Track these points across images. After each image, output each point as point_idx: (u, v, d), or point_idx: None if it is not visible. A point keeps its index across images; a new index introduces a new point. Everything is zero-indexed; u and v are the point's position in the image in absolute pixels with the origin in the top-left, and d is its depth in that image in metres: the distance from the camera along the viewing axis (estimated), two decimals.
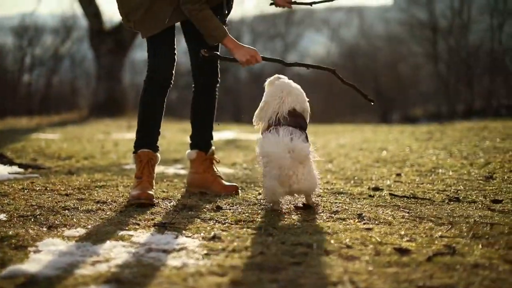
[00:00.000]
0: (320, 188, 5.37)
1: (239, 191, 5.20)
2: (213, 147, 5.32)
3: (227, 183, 5.27)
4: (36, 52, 30.24)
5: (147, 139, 5.00)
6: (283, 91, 4.71)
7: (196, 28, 4.87)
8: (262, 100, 4.79)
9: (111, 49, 20.18)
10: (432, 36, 33.36)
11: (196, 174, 5.24)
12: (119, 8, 4.91)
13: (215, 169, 5.31)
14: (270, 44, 42.04)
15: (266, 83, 4.91)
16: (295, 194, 4.54)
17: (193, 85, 5.29)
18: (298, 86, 4.84)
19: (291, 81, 4.84)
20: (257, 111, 4.82)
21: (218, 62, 5.26)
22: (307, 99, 4.85)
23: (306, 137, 4.55)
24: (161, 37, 4.92)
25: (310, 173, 4.40)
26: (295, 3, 5.31)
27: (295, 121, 4.60)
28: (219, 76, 5.30)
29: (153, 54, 4.94)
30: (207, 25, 4.76)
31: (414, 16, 35.42)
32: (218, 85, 5.30)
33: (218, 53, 5.07)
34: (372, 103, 5.24)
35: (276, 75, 4.91)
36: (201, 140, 5.30)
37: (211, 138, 5.34)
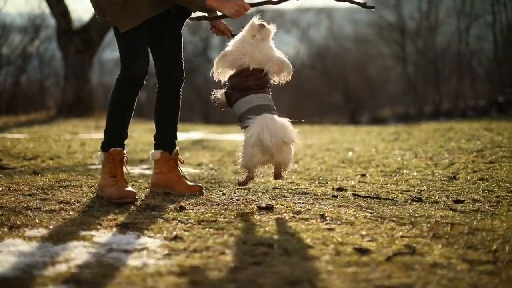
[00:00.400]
0: (284, 189, 5.40)
1: (203, 191, 5.20)
2: (177, 148, 5.31)
3: (191, 183, 5.26)
4: (4, 51, 29.97)
5: (118, 138, 4.99)
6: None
7: (159, 27, 4.88)
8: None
9: (79, 48, 20.05)
10: (400, 37, 33.63)
11: (160, 174, 5.22)
12: (92, 3, 4.84)
13: (180, 169, 5.29)
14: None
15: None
16: (270, 164, 4.67)
17: (157, 86, 5.27)
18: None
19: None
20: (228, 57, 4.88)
21: (183, 62, 5.25)
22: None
23: None
24: (137, 32, 4.85)
25: (290, 148, 4.55)
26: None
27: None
28: (184, 76, 5.28)
29: (129, 51, 4.88)
30: None
31: (382, 18, 35.68)
32: (182, 85, 5.29)
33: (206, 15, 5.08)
34: (373, 9, 5.31)
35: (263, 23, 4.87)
36: (165, 141, 5.27)
37: (175, 138, 5.32)
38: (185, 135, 13.16)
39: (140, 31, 4.86)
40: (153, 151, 5.29)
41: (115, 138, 4.98)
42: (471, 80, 28.52)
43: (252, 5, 4.93)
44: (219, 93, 5.05)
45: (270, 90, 4.91)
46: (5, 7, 37.51)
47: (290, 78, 4.97)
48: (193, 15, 5.11)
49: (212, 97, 5.11)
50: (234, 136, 12.76)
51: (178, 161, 5.31)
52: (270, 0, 5.10)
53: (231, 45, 4.92)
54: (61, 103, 21.27)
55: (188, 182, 5.24)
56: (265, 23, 4.83)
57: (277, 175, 4.74)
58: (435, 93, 31.47)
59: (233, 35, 5.27)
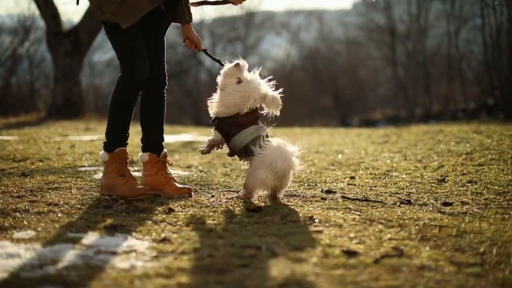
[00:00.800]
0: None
1: (192, 193, 5.20)
2: (165, 149, 5.31)
3: (180, 185, 5.26)
4: None
5: (122, 138, 5.02)
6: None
7: (146, 30, 4.89)
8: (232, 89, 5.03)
9: (69, 50, 20.01)
10: (390, 40, 33.68)
11: (149, 176, 5.22)
12: (91, 2, 4.82)
13: (168, 171, 5.29)
14: (230, 47, 42.06)
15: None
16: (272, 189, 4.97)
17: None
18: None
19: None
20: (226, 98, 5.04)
21: (165, 64, 5.25)
22: None
23: None
24: (134, 30, 4.85)
25: (291, 175, 5.01)
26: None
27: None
28: (167, 78, 5.27)
29: (129, 51, 4.89)
30: None
31: (372, 21, 35.76)
32: (166, 87, 5.27)
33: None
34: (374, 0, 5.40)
35: (236, 62, 5.06)
36: (152, 143, 5.27)
37: (163, 140, 5.31)
38: (175, 137, 13.14)
39: (136, 28, 4.85)
40: (141, 153, 5.29)
41: (119, 138, 5.00)
42: (461, 82, 28.61)
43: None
44: (213, 134, 5.19)
45: None
46: None
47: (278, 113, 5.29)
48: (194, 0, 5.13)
49: (208, 143, 5.21)
50: None
51: (167, 163, 5.30)
52: None
53: (222, 96, 5.11)
54: (51, 105, 21.21)
55: (177, 184, 5.24)
56: (238, 62, 5.05)
57: (275, 197, 5.01)
58: (425, 96, 31.57)
59: (204, 50, 5.35)
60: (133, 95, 4.98)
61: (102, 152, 5.07)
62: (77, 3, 5.16)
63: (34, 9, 29.60)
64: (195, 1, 5.04)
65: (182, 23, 5.29)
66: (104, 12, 4.77)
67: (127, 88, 4.95)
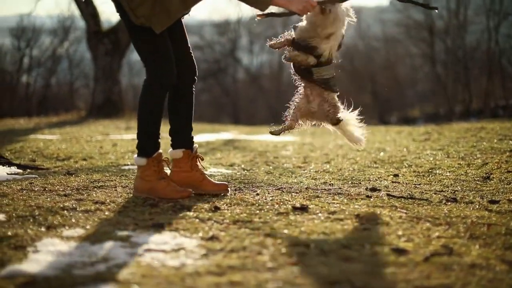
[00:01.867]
0: (318, 189, 5.40)
1: (232, 190, 5.21)
2: (196, 145, 5.30)
3: (217, 182, 5.27)
4: (34, 53, 30.28)
5: (157, 142, 5.01)
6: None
7: (174, 29, 4.90)
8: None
9: (109, 50, 20.18)
10: (429, 37, 33.42)
11: (183, 173, 5.16)
12: (125, 5, 4.74)
13: (201, 167, 5.30)
14: (267, 48, 42.04)
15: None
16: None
17: None
18: None
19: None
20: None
21: (193, 57, 5.22)
22: None
23: None
24: (163, 32, 4.84)
25: None
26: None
27: None
28: (197, 75, 5.25)
29: (159, 56, 4.85)
30: None
31: (410, 17, 35.53)
32: (195, 83, 5.25)
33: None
34: (436, 10, 5.40)
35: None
36: (185, 138, 5.24)
37: (192, 135, 5.30)
38: (215, 135, 13.19)
39: (164, 31, 4.86)
40: (171, 150, 5.23)
41: (154, 142, 4.99)
42: (501, 79, 28.30)
43: (319, 2, 4.94)
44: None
45: None
46: (36, 10, 37.86)
47: None
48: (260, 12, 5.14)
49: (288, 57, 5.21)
50: (264, 137, 12.77)
51: (199, 159, 5.29)
52: None
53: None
54: (91, 104, 21.43)
55: (214, 181, 5.25)
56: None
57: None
58: (465, 92, 31.26)
59: None
60: (163, 98, 4.96)
61: (136, 156, 5.05)
62: (86, 3, 5.17)
63: (74, 10, 29.97)
64: (262, 13, 5.04)
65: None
66: (138, 16, 4.74)
67: (157, 93, 4.92)
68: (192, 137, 5.27)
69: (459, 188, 5.47)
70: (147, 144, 4.96)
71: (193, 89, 5.21)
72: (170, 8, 4.74)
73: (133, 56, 30.58)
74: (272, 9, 5.08)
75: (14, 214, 4.13)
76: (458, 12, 32.42)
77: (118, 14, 4.94)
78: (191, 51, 5.20)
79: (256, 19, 5.12)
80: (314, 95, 5.18)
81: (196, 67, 5.23)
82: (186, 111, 5.20)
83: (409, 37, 36.93)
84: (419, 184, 5.76)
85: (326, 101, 5.18)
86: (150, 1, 4.69)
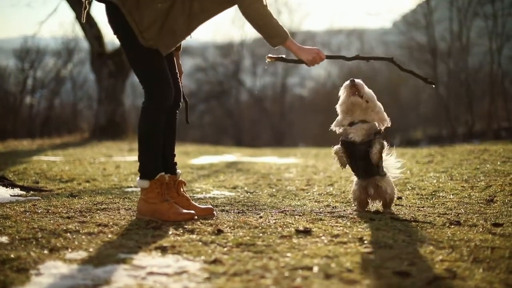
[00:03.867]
0: (321, 211, 5.39)
1: (235, 213, 5.20)
2: (179, 170, 5.32)
3: (202, 206, 5.27)
4: (38, 75, 30.37)
5: (160, 163, 5.02)
6: None
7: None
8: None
9: (112, 72, 20.25)
10: (431, 59, 33.43)
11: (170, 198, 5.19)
12: (134, 28, 4.77)
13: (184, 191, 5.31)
14: (271, 67, 42.17)
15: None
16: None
17: None
18: None
19: None
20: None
21: (181, 86, 5.27)
22: None
23: None
24: (162, 57, 4.91)
25: None
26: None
27: None
28: (181, 100, 5.26)
29: (159, 79, 4.89)
30: (272, 22, 4.82)
31: (413, 39, 35.58)
32: (179, 108, 5.26)
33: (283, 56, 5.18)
34: (434, 85, 5.48)
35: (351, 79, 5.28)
36: (169, 164, 5.26)
37: (176, 161, 5.31)
38: (218, 157, 13.19)
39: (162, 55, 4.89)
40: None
41: (158, 164, 5.00)
42: (504, 100, 28.30)
43: (327, 56, 5.11)
44: None
45: None
46: (40, 32, 37.99)
47: None
48: (272, 53, 5.20)
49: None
50: (267, 159, 12.77)
51: (182, 184, 5.31)
52: (343, 56, 5.34)
53: None
54: (94, 125, 21.47)
55: (199, 205, 5.26)
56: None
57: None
58: (468, 114, 31.25)
59: None
60: (163, 120, 4.98)
61: (138, 179, 5.06)
62: (83, 19, 5.20)
63: (78, 31, 30.09)
64: (273, 56, 5.11)
65: (176, 49, 5.31)
66: (146, 39, 4.78)
67: (157, 115, 4.94)
68: (176, 163, 5.28)
69: (463, 211, 5.47)
70: (149, 167, 4.98)
71: (177, 114, 5.23)
72: (175, 30, 4.79)
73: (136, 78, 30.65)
74: (283, 53, 5.17)
75: (17, 236, 4.12)
76: (460, 35, 32.46)
77: (116, 35, 4.95)
78: (178, 76, 5.23)
79: (266, 61, 5.18)
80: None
81: (181, 96, 5.26)
82: (169, 135, 5.21)
83: (412, 59, 36.96)
84: (423, 207, 5.76)
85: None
86: (158, 24, 4.73)
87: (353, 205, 5.65)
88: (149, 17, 4.74)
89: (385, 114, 5.41)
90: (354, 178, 5.64)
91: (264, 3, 4.79)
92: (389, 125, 5.43)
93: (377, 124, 5.40)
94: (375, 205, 5.70)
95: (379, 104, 5.42)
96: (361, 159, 5.34)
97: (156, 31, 4.75)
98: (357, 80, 5.35)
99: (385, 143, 5.33)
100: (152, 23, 4.73)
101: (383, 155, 5.42)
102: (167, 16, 4.76)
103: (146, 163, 5.00)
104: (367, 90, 5.39)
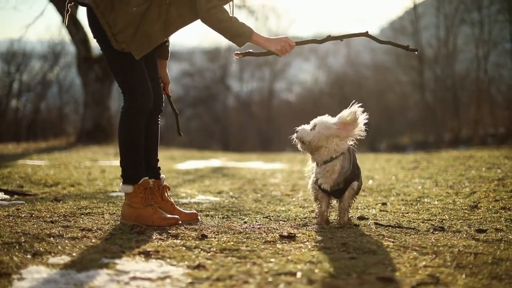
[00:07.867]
0: (305, 217, 5.39)
1: (219, 218, 5.19)
2: (163, 175, 5.31)
3: (187, 211, 5.26)
4: (24, 78, 30.25)
5: (143, 168, 5.01)
6: None
7: (148, 57, 4.92)
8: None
9: (99, 76, 20.20)
10: (418, 65, 33.55)
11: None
12: (107, 31, 4.75)
13: (169, 197, 5.31)
14: (258, 72, 42.20)
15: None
16: None
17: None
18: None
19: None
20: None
21: (163, 90, 5.28)
22: None
23: None
24: (141, 60, 4.89)
25: None
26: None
27: None
28: (163, 105, 5.26)
29: (138, 81, 4.86)
30: (233, 25, 4.79)
31: None
32: (161, 113, 5.26)
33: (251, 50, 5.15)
34: (416, 52, 5.43)
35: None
36: (153, 169, 5.26)
37: (159, 166, 5.31)
38: (204, 162, 13.17)
39: (141, 58, 4.88)
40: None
41: (142, 169, 4.99)
42: (490, 107, 28.41)
43: (297, 43, 5.06)
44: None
45: None
46: (26, 35, 37.83)
47: None
48: (239, 50, 5.17)
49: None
50: (253, 164, 12.77)
51: (167, 189, 5.30)
52: (314, 39, 5.26)
53: None
54: (80, 130, 21.40)
55: (183, 210, 5.26)
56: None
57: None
58: (454, 120, 31.38)
59: (168, 96, 5.43)
60: (143, 124, 4.96)
61: (122, 184, 5.06)
62: (65, 23, 5.19)
63: (64, 35, 29.99)
64: (240, 52, 5.10)
65: (163, 58, 5.32)
66: (119, 42, 4.77)
67: (136, 118, 4.92)
68: (159, 168, 5.28)
69: (447, 217, 5.48)
70: (131, 172, 4.97)
71: (159, 118, 5.23)
72: (151, 35, 4.78)
73: None
74: (250, 48, 5.13)
75: None
76: (447, 41, 32.57)
77: (96, 39, 4.94)
78: (160, 82, 5.22)
79: (234, 58, 5.16)
80: None
81: (162, 101, 5.26)
82: (152, 140, 5.20)
83: (398, 65, 37.08)
84: (407, 213, 5.77)
85: None
86: (132, 27, 4.72)
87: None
88: (123, 21, 4.72)
89: (347, 129, 5.39)
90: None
91: (223, 9, 4.78)
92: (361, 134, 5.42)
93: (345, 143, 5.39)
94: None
95: (333, 127, 5.38)
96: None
97: (130, 35, 4.73)
98: (298, 128, 5.42)
99: (357, 183, 5.30)
100: (125, 27, 4.72)
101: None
102: (142, 20, 4.75)
103: (127, 168, 4.99)
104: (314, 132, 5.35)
